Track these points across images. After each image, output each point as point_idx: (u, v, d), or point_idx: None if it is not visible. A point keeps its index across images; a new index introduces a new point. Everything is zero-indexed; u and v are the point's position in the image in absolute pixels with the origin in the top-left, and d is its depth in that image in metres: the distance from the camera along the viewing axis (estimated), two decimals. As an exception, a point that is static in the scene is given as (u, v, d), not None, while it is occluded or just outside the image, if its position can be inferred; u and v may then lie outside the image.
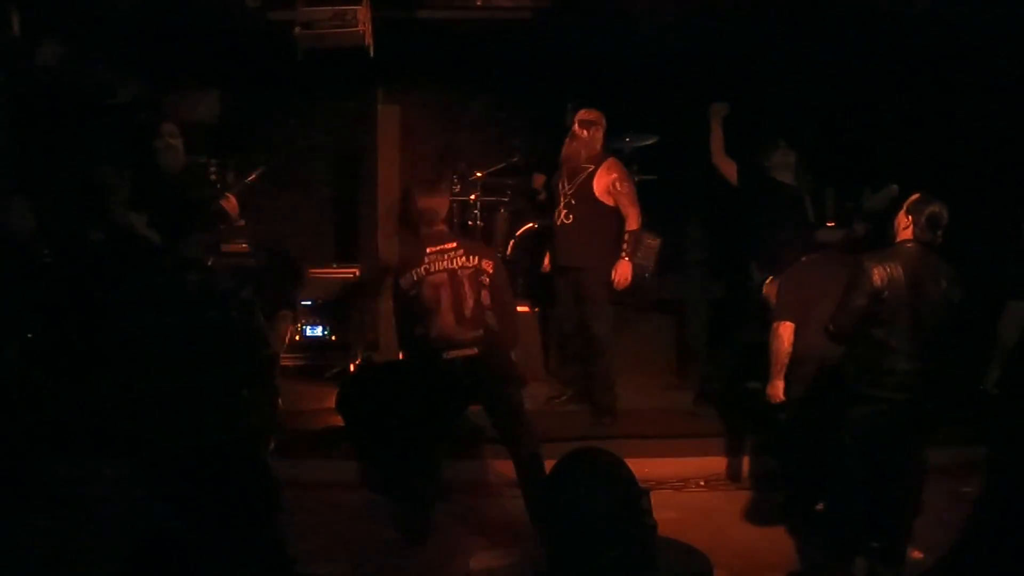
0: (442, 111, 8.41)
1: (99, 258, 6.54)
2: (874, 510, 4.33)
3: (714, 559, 2.45)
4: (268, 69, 7.06)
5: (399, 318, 4.86)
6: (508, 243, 7.35)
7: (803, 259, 5.27)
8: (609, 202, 6.03)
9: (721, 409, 6.27)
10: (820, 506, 4.63)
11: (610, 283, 5.98)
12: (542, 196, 7.05)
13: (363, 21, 5.58)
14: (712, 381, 6.78)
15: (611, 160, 6.15)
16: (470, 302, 4.64)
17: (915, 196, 4.33)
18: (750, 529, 5.05)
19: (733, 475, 5.65)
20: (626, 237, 6.00)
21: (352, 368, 7.17)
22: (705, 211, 7.72)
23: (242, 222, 6.26)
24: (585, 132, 6.11)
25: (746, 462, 5.63)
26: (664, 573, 1.99)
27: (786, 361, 4.90)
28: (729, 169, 6.43)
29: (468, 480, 5.35)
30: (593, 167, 6.07)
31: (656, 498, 2.01)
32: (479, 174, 7.42)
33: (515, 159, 7.52)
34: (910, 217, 4.28)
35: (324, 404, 6.23)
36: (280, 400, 5.58)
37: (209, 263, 3.81)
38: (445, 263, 4.66)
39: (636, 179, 7.92)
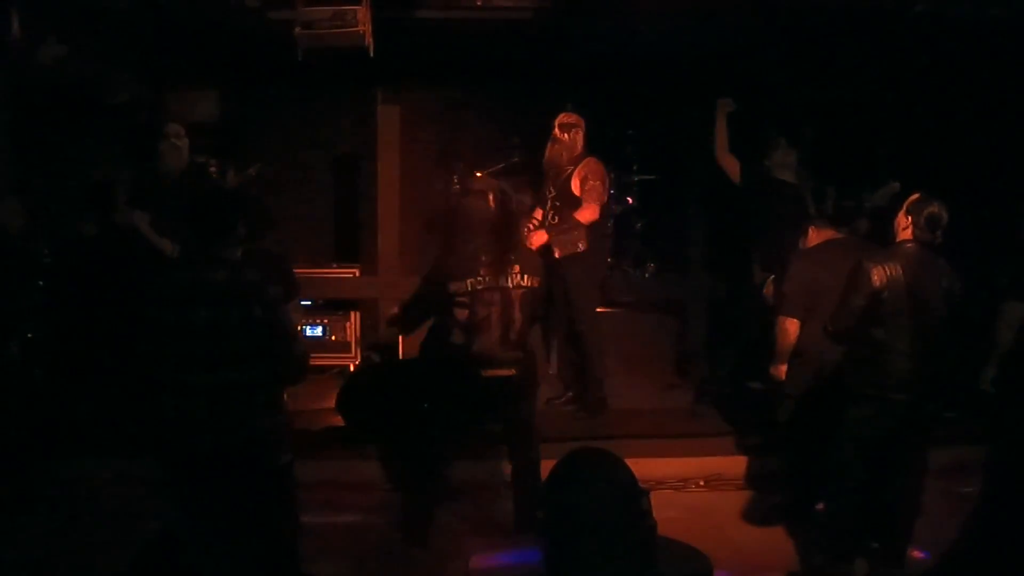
0: (442, 111, 8.40)
1: (100, 257, 6.55)
2: (874, 510, 4.34)
3: (714, 559, 2.45)
4: (268, 69, 7.05)
5: (431, 314, 4.71)
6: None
7: (811, 247, 5.06)
8: None
9: (721, 409, 6.27)
10: (820, 506, 4.62)
11: (594, 281, 6.01)
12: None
13: (363, 21, 5.57)
14: (712, 381, 6.79)
15: (589, 159, 6.17)
16: (517, 324, 4.51)
17: (914, 196, 4.33)
18: (750, 529, 5.05)
19: (733, 475, 5.63)
20: (571, 221, 5.98)
21: (352, 368, 7.18)
22: (705, 211, 7.72)
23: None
24: (566, 135, 6.13)
25: (746, 462, 5.63)
26: (664, 573, 1.99)
27: (789, 351, 4.90)
28: (732, 167, 6.42)
29: (468, 480, 5.34)
30: (572, 168, 6.10)
31: (656, 498, 2.00)
32: (479, 174, 7.42)
33: (515, 159, 7.52)
34: (909, 217, 4.27)
35: (324, 404, 6.24)
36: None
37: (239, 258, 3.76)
38: (502, 280, 4.48)
39: (636, 179, 7.93)
